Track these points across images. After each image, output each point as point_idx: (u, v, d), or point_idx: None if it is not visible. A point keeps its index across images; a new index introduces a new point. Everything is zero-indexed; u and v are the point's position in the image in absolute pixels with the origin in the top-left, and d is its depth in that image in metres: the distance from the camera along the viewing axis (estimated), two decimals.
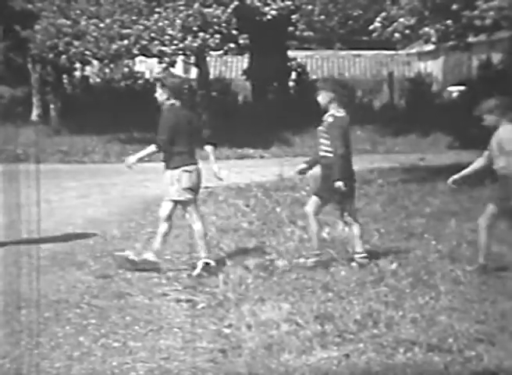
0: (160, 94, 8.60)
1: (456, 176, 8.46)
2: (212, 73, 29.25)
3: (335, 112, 8.27)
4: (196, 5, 20.67)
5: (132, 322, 6.90)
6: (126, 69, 27.95)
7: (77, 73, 27.95)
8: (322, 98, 8.32)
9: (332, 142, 8.21)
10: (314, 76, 30.40)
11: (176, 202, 8.49)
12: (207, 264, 8.40)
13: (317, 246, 8.58)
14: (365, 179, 15.14)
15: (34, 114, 25.75)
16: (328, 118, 8.30)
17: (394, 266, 8.33)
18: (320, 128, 8.42)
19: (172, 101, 8.55)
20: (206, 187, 14.80)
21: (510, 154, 7.97)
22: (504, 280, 7.91)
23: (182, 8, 20.72)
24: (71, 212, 12.30)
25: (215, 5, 20.88)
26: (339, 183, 8.19)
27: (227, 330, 6.62)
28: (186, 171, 8.43)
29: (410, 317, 6.73)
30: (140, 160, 8.57)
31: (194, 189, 8.55)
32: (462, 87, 27.52)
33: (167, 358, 6.02)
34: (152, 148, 8.48)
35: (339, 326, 6.52)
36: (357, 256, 8.53)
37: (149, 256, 8.57)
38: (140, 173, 16.61)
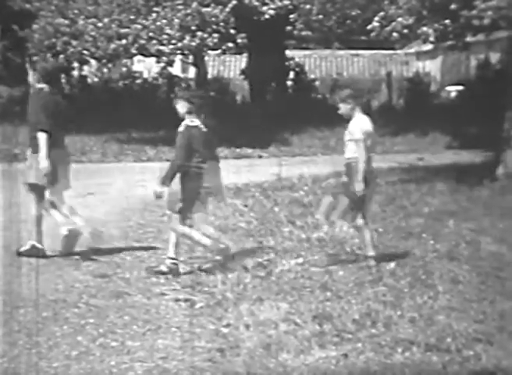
0: (31, 77, 8.84)
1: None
2: (210, 73, 29.23)
3: (188, 122, 8.40)
4: (194, 5, 20.65)
5: (130, 321, 6.89)
6: (124, 69, 27.92)
7: (75, 73, 27.90)
8: (180, 107, 8.51)
9: (175, 150, 8.32)
10: (312, 76, 30.44)
11: (36, 186, 8.74)
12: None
13: (172, 253, 8.49)
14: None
15: None
16: (181, 127, 8.42)
17: (393, 265, 8.34)
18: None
19: (42, 85, 8.70)
20: (204, 187, 14.85)
21: (358, 142, 8.37)
22: (503, 280, 7.91)
23: (180, 7, 20.69)
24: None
25: (213, 5, 20.85)
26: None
27: (225, 330, 6.61)
28: (49, 156, 8.60)
29: (409, 317, 6.73)
30: (48, 156, 8.66)
31: (54, 174, 8.73)
32: (460, 87, 27.55)
33: (165, 357, 6.02)
34: (43, 136, 8.61)
35: (337, 326, 6.53)
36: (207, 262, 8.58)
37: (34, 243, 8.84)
38: (139, 173, 16.67)
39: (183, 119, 8.50)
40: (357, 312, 6.82)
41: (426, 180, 14.64)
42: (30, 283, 7.79)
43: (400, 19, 14.79)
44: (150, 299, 7.55)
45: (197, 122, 8.45)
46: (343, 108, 8.50)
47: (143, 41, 20.80)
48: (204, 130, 8.47)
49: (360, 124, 8.43)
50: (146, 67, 31.09)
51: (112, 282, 8.09)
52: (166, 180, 8.29)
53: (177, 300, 7.49)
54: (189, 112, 8.45)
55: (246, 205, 12.47)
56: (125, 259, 9.08)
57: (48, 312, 7.09)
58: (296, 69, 27.25)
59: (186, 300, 7.47)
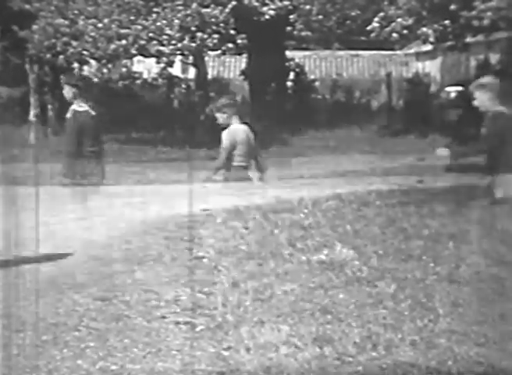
0: None
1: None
2: (210, 73, 29.20)
3: (76, 107, 8.36)
4: (194, 5, 20.66)
5: (130, 344, 6.86)
6: (124, 69, 27.96)
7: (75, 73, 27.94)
8: (66, 92, 8.52)
9: (66, 137, 8.31)
10: (312, 77, 30.47)
11: None
12: None
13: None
14: (364, 201, 14.98)
15: (32, 114, 25.74)
16: (69, 113, 8.39)
17: (393, 288, 8.30)
18: None
19: None
20: (204, 210, 14.71)
21: (221, 151, 8.59)
22: (504, 302, 7.89)
23: (180, 8, 20.71)
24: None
25: (213, 5, 20.87)
26: None
27: (226, 353, 6.59)
28: None
29: (410, 340, 6.70)
30: None
31: None
32: (460, 88, 27.54)
33: None
34: None
35: (338, 349, 6.50)
36: None
37: None
38: (139, 196, 16.51)
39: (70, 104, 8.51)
40: (358, 335, 6.79)
41: (425, 203, 14.53)
42: (30, 307, 7.77)
43: (399, 19, 14.84)
44: (150, 322, 7.51)
45: (85, 106, 8.41)
46: (220, 117, 8.41)
47: (143, 42, 20.84)
48: (93, 114, 8.43)
49: (232, 134, 8.33)
50: (146, 68, 31.09)
51: (112, 305, 8.05)
52: (68, 172, 8.32)
53: (177, 323, 7.46)
54: (75, 97, 8.42)
55: (246, 228, 12.34)
56: (125, 282, 9.04)
57: (48, 335, 7.05)
58: (296, 70, 27.28)
59: (186, 323, 7.44)
